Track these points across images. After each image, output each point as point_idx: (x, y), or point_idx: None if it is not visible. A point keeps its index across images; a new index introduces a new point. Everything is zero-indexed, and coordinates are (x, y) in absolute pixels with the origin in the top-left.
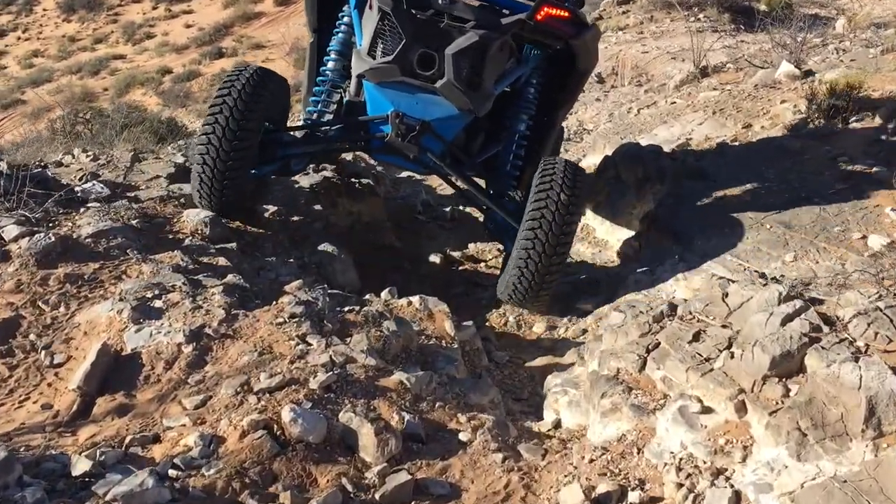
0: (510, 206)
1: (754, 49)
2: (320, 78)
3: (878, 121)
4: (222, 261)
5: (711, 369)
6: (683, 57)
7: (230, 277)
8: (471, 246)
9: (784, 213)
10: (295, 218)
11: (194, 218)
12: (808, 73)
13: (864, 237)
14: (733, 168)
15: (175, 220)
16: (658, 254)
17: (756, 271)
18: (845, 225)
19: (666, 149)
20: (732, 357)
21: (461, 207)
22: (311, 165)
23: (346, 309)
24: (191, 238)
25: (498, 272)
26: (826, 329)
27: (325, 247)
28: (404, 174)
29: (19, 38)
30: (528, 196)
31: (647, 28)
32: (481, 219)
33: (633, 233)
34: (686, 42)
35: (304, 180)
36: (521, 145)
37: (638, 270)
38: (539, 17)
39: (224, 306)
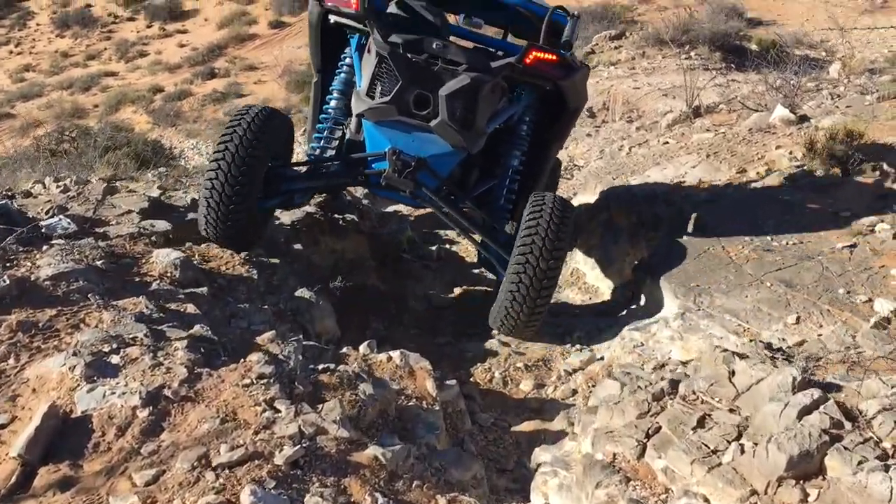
0: (502, 239)
1: (747, 90)
2: (323, 115)
3: (880, 174)
4: (191, 308)
5: (720, 464)
6: (675, 94)
7: (197, 328)
8: (457, 290)
9: (785, 271)
10: (273, 259)
11: (164, 259)
12: (804, 119)
13: (870, 300)
14: (731, 218)
15: (144, 260)
16: (652, 307)
17: (762, 342)
18: (850, 286)
19: (659, 191)
20: (743, 452)
21: (447, 246)
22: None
23: (321, 368)
24: (159, 281)
25: (486, 319)
26: (848, 425)
27: (303, 293)
28: (391, 208)
29: (11, 52)
30: (519, 226)
31: (639, 64)
32: (468, 259)
33: (625, 281)
34: (677, 79)
35: (286, 217)
36: (514, 180)
37: (631, 326)
38: (528, 61)
39: (187, 363)
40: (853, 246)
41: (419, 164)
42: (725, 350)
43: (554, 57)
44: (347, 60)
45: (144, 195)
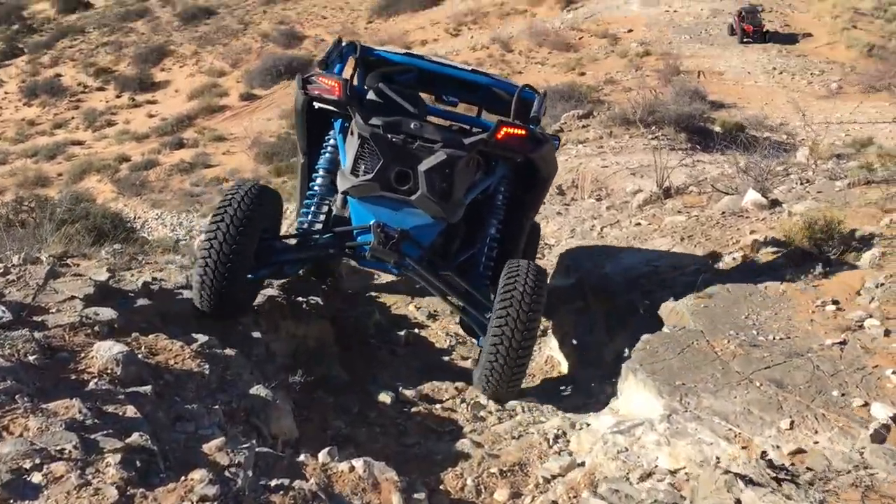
0: (481, 306)
1: (716, 172)
2: (310, 192)
3: (864, 265)
4: (131, 410)
5: None
6: (643, 173)
7: (135, 437)
8: (426, 384)
9: (774, 369)
10: (228, 351)
11: (105, 353)
12: (776, 203)
13: (867, 405)
14: (713, 308)
15: (83, 354)
16: (634, 405)
17: (763, 459)
18: (844, 388)
19: (635, 276)
20: None
21: (416, 331)
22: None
23: (273, 485)
24: (97, 380)
25: (456, 415)
26: None
27: (259, 390)
28: (355, 289)
29: None
30: (496, 292)
31: (607, 143)
32: (437, 344)
33: (604, 373)
34: (644, 158)
35: None
36: (492, 247)
37: (613, 427)
38: (499, 137)
39: (119, 483)
40: (843, 343)
41: (402, 236)
42: (727, 472)
43: (523, 132)
44: (331, 142)
45: (90, 279)
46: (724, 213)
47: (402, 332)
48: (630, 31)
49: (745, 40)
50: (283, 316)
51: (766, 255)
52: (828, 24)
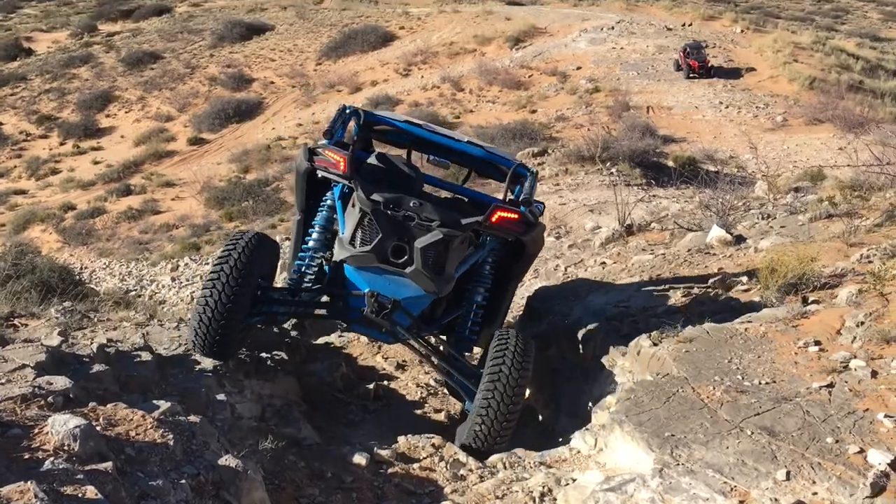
0: (466, 370)
1: (675, 208)
2: (304, 247)
3: (840, 303)
4: (91, 491)
5: None
6: (601, 210)
7: None
8: (401, 440)
9: (764, 416)
10: (193, 417)
11: (61, 428)
12: (740, 239)
13: (863, 451)
14: (694, 353)
15: (37, 429)
16: (621, 458)
17: None
18: (837, 434)
19: (607, 319)
20: None
21: (386, 383)
22: None
23: None
24: (54, 458)
25: (435, 475)
26: None
27: (228, 460)
28: (321, 340)
29: None
30: (486, 360)
31: (563, 180)
32: (409, 396)
33: (583, 423)
34: (601, 195)
35: (206, 361)
36: (477, 313)
37: (603, 484)
38: (493, 220)
39: None
40: (831, 386)
41: (395, 306)
42: None
43: (516, 216)
44: (329, 202)
45: (42, 345)
46: (689, 250)
47: (371, 386)
48: (579, 68)
49: (691, 76)
50: (248, 374)
51: (739, 294)
52: (770, 59)
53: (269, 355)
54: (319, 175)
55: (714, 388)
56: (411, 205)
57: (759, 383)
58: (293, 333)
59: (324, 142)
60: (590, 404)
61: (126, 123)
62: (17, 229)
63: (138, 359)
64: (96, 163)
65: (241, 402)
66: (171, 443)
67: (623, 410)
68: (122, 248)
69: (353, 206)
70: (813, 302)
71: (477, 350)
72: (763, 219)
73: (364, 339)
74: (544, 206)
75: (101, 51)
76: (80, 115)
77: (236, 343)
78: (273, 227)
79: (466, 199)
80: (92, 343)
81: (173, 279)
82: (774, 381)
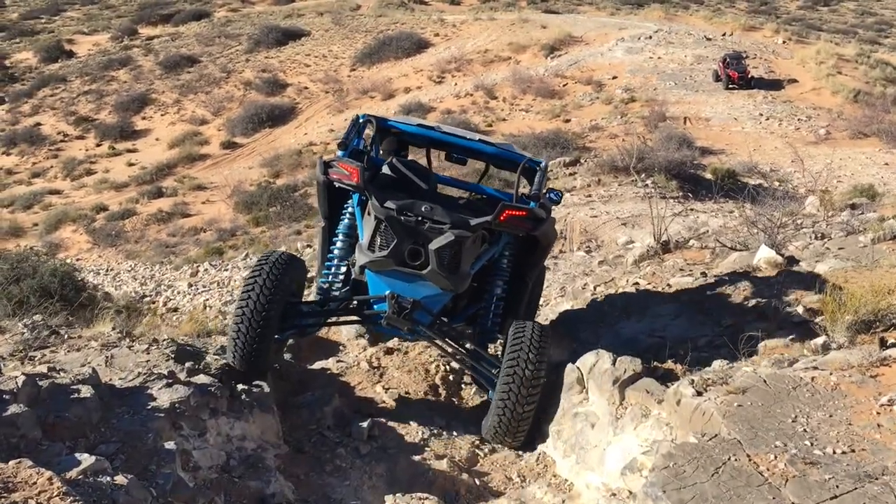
0: (488, 361)
1: (715, 223)
2: (330, 255)
3: None
4: None
5: None
6: (634, 223)
7: None
8: (396, 498)
9: (843, 500)
10: (119, 479)
11: None
12: (792, 262)
13: None
14: (749, 408)
15: None
16: None
17: None
18: None
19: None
20: None
21: (383, 420)
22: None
23: None
24: None
25: None
26: None
27: None
28: (317, 365)
29: None
30: (504, 351)
31: (595, 191)
32: (408, 437)
33: (608, 481)
34: (635, 207)
35: (163, 396)
36: (498, 305)
37: None
38: (502, 219)
39: None
40: None
41: (415, 306)
42: None
43: (524, 213)
44: (349, 210)
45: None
46: (734, 272)
47: (365, 424)
48: (614, 77)
49: (730, 86)
50: (215, 412)
51: (796, 329)
52: (812, 70)
53: (245, 387)
54: (336, 185)
55: (776, 458)
56: (423, 209)
57: (834, 452)
58: (286, 357)
59: (339, 153)
60: (618, 459)
61: (161, 126)
62: (48, 229)
63: (76, 395)
64: (131, 164)
65: (200, 448)
66: None
67: (659, 483)
68: (149, 251)
69: (369, 214)
70: (893, 345)
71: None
72: (817, 238)
73: (364, 365)
74: (561, 195)
75: (139, 54)
76: (117, 116)
77: (270, 359)
78: (298, 234)
79: (481, 197)
80: (22, 372)
81: (190, 285)
82: (853, 451)
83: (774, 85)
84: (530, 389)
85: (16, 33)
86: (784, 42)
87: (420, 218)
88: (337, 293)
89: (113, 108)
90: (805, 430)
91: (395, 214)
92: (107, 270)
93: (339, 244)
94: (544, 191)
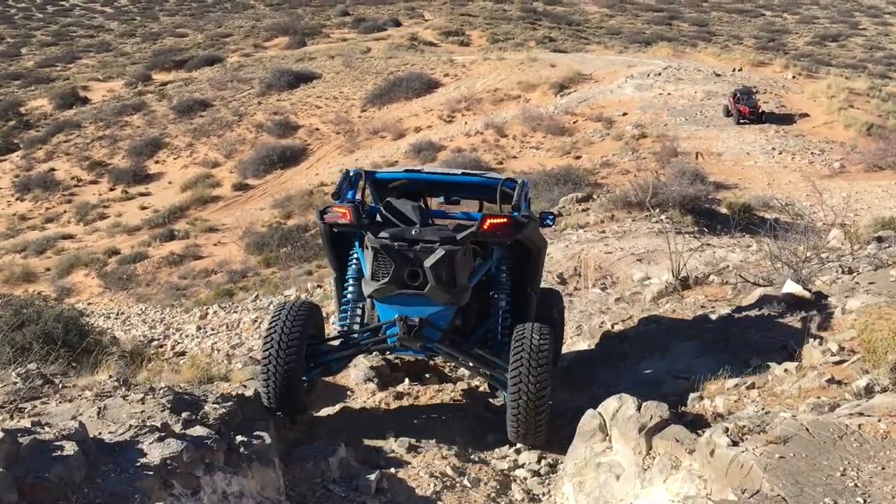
0: (501, 366)
1: (734, 258)
2: (344, 299)
3: None
4: None
5: None
6: (650, 259)
7: None
8: None
9: None
10: None
11: None
12: (820, 297)
13: None
14: (792, 461)
15: None
16: None
17: None
18: None
19: (665, 398)
20: None
21: (392, 470)
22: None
23: None
24: None
25: None
26: None
27: None
28: (324, 412)
29: None
30: (509, 356)
31: (609, 227)
32: (419, 490)
33: None
34: (650, 243)
35: (154, 451)
36: (505, 318)
37: None
38: (485, 228)
39: None
40: None
41: (422, 323)
42: None
43: (505, 220)
44: (355, 257)
45: None
46: (759, 308)
47: (372, 477)
48: (625, 114)
49: (741, 121)
50: (211, 467)
51: (832, 370)
52: (824, 104)
53: (244, 439)
54: (336, 230)
55: None
56: (413, 233)
57: None
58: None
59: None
60: None
61: (174, 169)
62: (60, 273)
63: (59, 452)
64: (143, 208)
65: None
66: None
67: None
68: (160, 294)
69: (367, 248)
70: None
71: None
72: (845, 273)
73: (373, 412)
74: (555, 218)
75: (153, 99)
76: (131, 161)
77: (303, 398)
78: (309, 273)
79: (469, 221)
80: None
81: (199, 328)
82: None
83: (786, 119)
84: (539, 385)
85: (31, 80)
86: (794, 77)
87: (412, 242)
88: (356, 335)
89: (126, 153)
90: (856, 485)
91: (389, 242)
92: (117, 314)
93: (350, 288)
94: (537, 211)
